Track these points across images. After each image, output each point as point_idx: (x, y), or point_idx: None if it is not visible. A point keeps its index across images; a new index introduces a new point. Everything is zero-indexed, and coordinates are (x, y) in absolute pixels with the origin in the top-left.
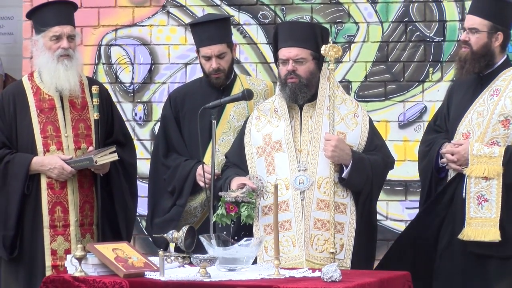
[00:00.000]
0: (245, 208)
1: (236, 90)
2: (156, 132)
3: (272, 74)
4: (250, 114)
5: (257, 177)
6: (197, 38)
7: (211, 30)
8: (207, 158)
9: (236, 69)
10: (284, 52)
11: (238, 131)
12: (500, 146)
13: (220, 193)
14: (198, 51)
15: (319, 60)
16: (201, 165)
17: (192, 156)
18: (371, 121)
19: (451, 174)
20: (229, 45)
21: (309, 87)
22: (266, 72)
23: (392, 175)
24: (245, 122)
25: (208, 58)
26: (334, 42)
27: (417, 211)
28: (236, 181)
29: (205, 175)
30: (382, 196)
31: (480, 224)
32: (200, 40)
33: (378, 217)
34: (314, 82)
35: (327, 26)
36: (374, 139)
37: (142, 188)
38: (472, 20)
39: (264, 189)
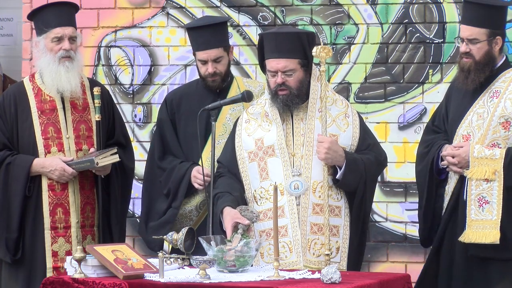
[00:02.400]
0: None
1: (233, 92)
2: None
3: None
4: (239, 117)
5: (248, 209)
6: (194, 42)
7: (208, 34)
8: (204, 160)
9: (235, 71)
10: (272, 64)
11: None
12: (500, 148)
13: (217, 248)
14: (194, 54)
15: (307, 66)
16: (196, 167)
17: (187, 159)
18: (361, 120)
19: (452, 176)
20: (225, 49)
21: (300, 96)
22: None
23: (391, 176)
24: (235, 125)
25: (205, 62)
26: (334, 44)
27: (416, 212)
28: (228, 221)
29: (201, 178)
30: (381, 197)
31: (481, 226)
32: (196, 44)
33: (378, 218)
34: (305, 89)
35: (327, 27)
36: (366, 138)
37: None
38: (470, 31)
39: (257, 218)
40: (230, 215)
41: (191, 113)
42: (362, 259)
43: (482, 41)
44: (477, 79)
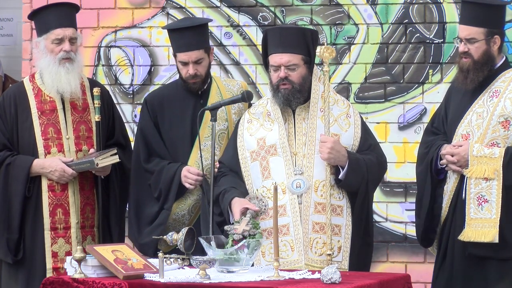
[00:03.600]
0: (254, 243)
1: (213, 92)
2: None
3: None
4: (241, 117)
5: (257, 197)
6: (175, 43)
7: (188, 36)
8: (190, 163)
9: (236, 71)
10: (275, 59)
11: (220, 134)
12: (500, 147)
13: (226, 228)
14: (175, 55)
15: (310, 63)
16: (186, 167)
17: (174, 161)
18: (362, 120)
19: (450, 176)
20: (206, 50)
21: (302, 92)
22: (266, 73)
23: (391, 176)
24: (237, 125)
25: (185, 64)
26: (334, 44)
27: None
28: (237, 207)
29: (192, 177)
30: (381, 197)
31: (480, 225)
32: (177, 46)
33: (378, 218)
34: (307, 86)
35: (327, 27)
36: (367, 138)
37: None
38: (468, 31)
39: (267, 207)
40: (239, 202)
41: (175, 116)
42: (370, 260)
43: (480, 40)
44: (476, 78)
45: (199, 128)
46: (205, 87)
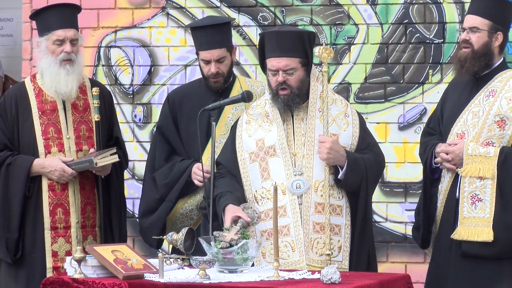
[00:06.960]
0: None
1: (235, 92)
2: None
3: None
4: (239, 118)
5: (251, 208)
6: (197, 42)
7: (211, 34)
8: (204, 160)
9: (236, 71)
10: (273, 63)
11: None
12: (495, 146)
13: (214, 233)
14: (197, 53)
15: (308, 65)
16: (197, 164)
17: (189, 157)
18: (361, 119)
19: (445, 175)
20: (228, 49)
21: (300, 96)
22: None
23: (391, 176)
24: (234, 126)
25: (207, 62)
26: (334, 44)
27: None
28: (229, 214)
29: (201, 174)
30: (381, 197)
31: (473, 224)
32: (199, 44)
33: (378, 219)
34: (305, 88)
35: (327, 27)
36: (366, 137)
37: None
38: (473, 20)
39: (259, 219)
40: (232, 210)
41: (193, 112)
42: (375, 258)
43: (482, 30)
44: (471, 68)
45: (198, 129)
46: (226, 85)
